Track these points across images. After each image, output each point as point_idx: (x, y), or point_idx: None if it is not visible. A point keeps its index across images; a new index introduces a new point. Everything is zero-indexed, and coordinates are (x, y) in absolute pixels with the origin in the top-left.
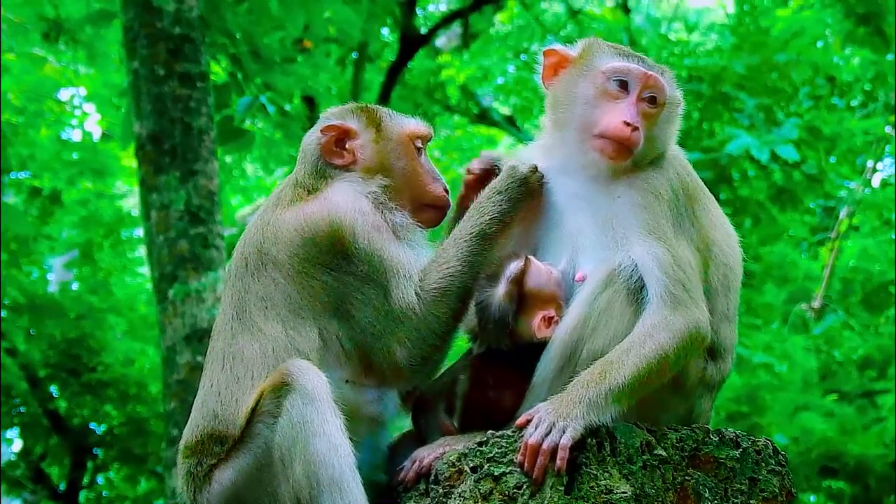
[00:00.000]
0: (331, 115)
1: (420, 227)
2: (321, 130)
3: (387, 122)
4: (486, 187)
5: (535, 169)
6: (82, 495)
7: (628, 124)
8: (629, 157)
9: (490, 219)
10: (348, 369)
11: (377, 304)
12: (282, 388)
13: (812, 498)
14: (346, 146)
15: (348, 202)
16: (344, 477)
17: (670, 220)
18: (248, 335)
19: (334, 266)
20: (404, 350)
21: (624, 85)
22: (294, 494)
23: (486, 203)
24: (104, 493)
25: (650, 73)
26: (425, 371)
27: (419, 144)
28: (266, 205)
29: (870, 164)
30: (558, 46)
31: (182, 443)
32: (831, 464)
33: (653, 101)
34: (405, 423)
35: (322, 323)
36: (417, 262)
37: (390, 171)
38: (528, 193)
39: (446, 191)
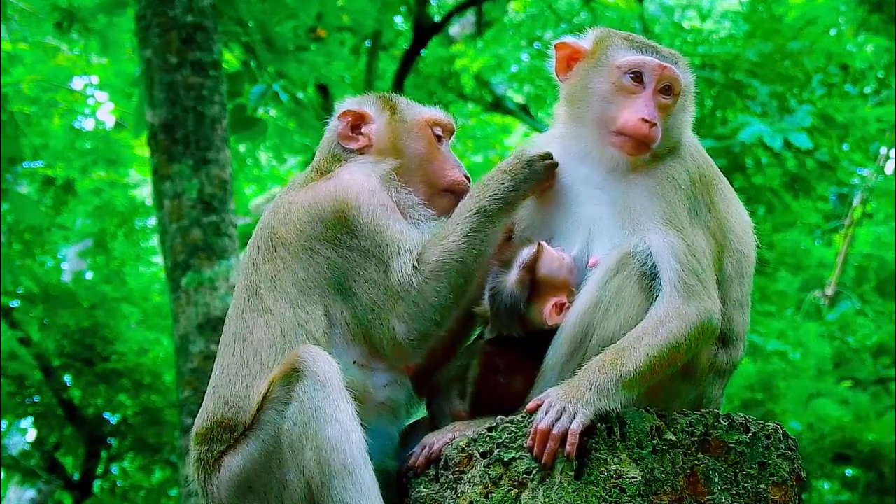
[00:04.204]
0: (347, 102)
1: (433, 213)
2: (338, 117)
3: (403, 108)
4: (493, 168)
5: (546, 156)
6: (96, 485)
7: (646, 121)
8: (648, 152)
9: (491, 195)
10: (356, 350)
11: (378, 280)
12: (293, 375)
13: (826, 485)
14: (362, 130)
15: (356, 179)
16: (355, 463)
17: (687, 208)
18: (258, 317)
19: (338, 241)
20: (403, 326)
21: (639, 78)
22: (304, 481)
23: (489, 181)
24: (118, 483)
25: (665, 64)
26: (426, 347)
27: (438, 132)
28: (281, 191)
29: (883, 151)
30: (570, 39)
31: (193, 430)
32: (845, 451)
33: (668, 91)
34: (422, 412)
35: (327, 301)
36: (420, 239)
37: (404, 155)
38: (534, 176)
39: (467, 178)
